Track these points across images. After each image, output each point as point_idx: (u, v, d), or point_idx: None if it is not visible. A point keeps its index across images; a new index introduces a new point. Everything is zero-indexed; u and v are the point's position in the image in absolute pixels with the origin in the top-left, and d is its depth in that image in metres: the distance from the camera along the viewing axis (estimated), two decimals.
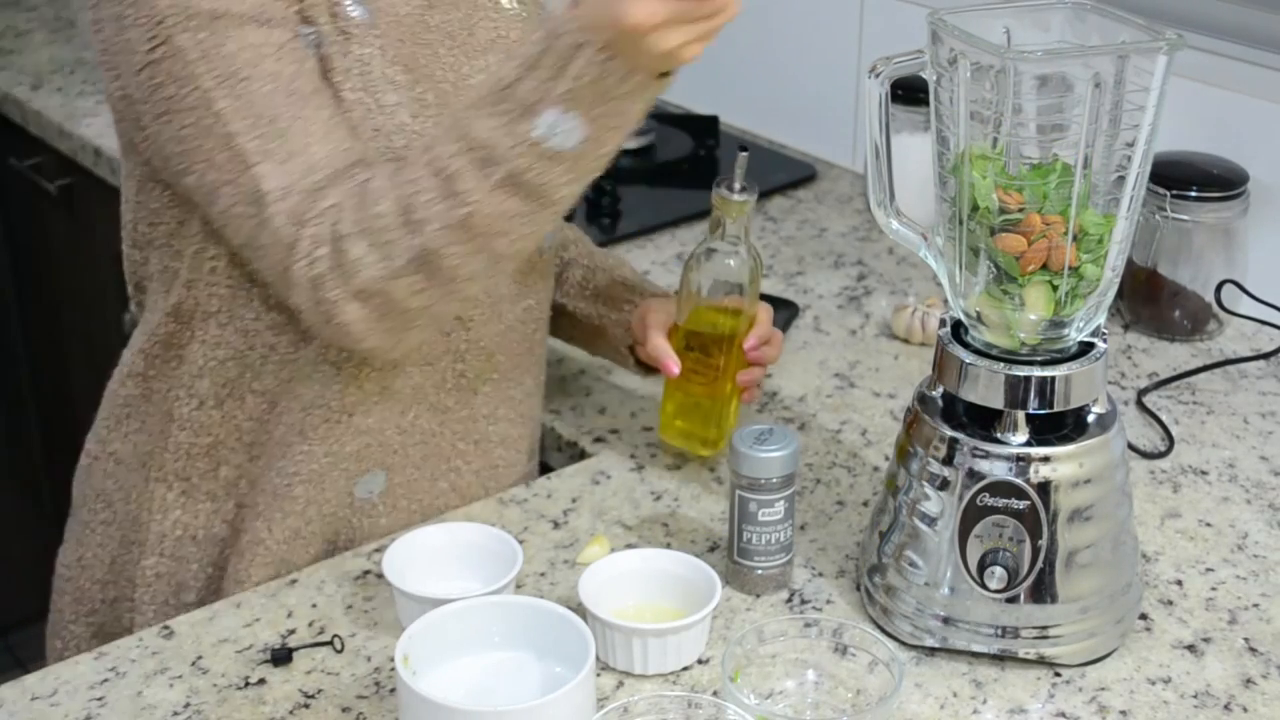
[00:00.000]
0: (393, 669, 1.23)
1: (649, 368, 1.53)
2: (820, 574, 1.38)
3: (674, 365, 1.45)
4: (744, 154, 1.41)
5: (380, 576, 1.36)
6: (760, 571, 1.34)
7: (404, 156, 1.25)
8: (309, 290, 1.22)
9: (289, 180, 1.21)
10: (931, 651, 1.28)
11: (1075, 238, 1.19)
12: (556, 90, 1.14)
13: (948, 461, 1.24)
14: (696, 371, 1.47)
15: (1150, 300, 1.80)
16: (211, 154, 1.22)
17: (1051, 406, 1.22)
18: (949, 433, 1.24)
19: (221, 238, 1.32)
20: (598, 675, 1.22)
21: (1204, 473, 1.53)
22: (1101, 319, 1.26)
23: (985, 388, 1.23)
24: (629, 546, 1.40)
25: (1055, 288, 1.20)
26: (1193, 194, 1.75)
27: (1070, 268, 1.19)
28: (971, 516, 1.23)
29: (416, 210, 1.18)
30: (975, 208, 1.20)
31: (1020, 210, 1.19)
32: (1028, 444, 1.23)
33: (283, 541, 1.40)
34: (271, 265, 1.24)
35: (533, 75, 1.15)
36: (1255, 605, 1.35)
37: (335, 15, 1.28)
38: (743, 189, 1.41)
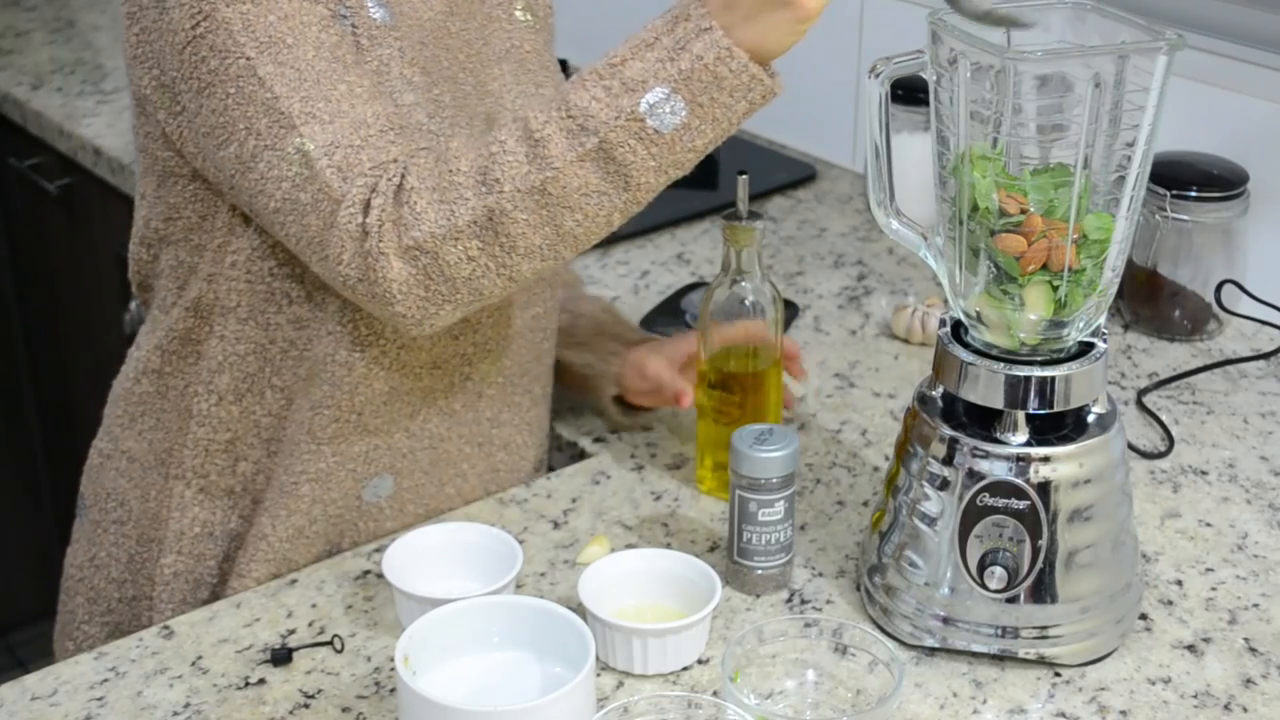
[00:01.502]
0: (393, 669, 1.23)
1: (631, 407, 1.55)
2: (820, 574, 1.38)
3: (686, 398, 1.46)
4: (743, 177, 1.38)
5: (380, 576, 1.36)
6: (760, 571, 1.34)
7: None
8: (356, 241, 1.19)
9: (335, 137, 1.20)
10: (931, 651, 1.28)
11: (1076, 242, 1.19)
12: (671, 69, 1.14)
13: (948, 461, 1.24)
14: (723, 411, 1.45)
15: (1150, 300, 1.80)
16: (254, 120, 1.21)
17: (1051, 406, 1.22)
18: (949, 433, 1.24)
19: (245, 230, 1.33)
20: (598, 675, 1.22)
21: (1204, 473, 1.53)
22: (1101, 319, 1.26)
23: (985, 388, 1.23)
24: (629, 546, 1.40)
25: (1055, 288, 1.20)
26: (1193, 194, 1.75)
27: (1071, 270, 1.20)
28: (971, 516, 1.23)
29: (494, 170, 1.16)
30: (975, 208, 1.20)
31: (1023, 213, 1.19)
32: (1028, 444, 1.23)
33: (285, 539, 1.39)
34: (310, 225, 1.21)
35: (648, 53, 1.15)
36: (1255, 605, 1.35)
37: (357, 16, 1.28)
38: (750, 215, 1.40)
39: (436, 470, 1.44)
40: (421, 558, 1.32)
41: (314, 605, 1.34)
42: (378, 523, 1.44)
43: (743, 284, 1.41)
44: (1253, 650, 1.29)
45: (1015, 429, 1.23)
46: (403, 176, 1.19)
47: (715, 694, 1.23)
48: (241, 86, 1.21)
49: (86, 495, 1.51)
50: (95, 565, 1.49)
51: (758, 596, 1.34)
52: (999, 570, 1.23)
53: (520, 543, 1.33)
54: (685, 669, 1.26)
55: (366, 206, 1.19)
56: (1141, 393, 1.67)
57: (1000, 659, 1.27)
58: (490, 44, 1.39)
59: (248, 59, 1.20)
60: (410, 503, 1.44)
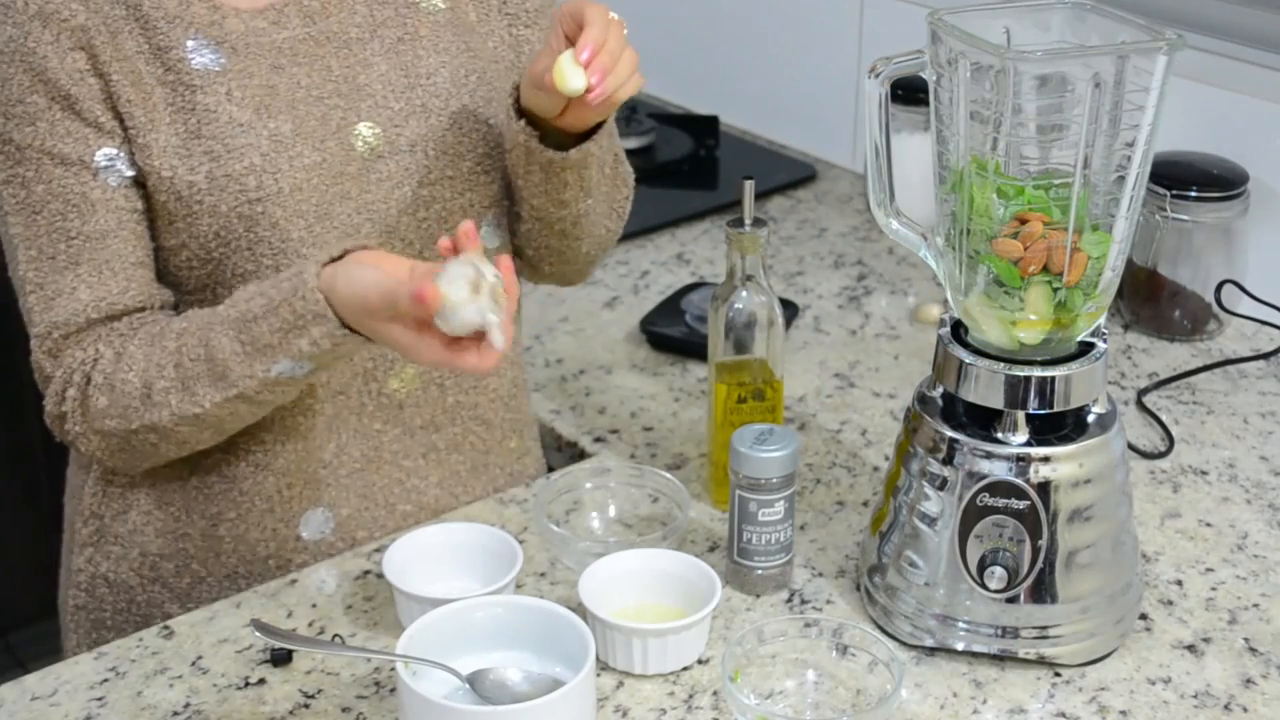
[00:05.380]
0: (393, 669, 1.23)
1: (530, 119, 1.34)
2: (820, 574, 1.38)
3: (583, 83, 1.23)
4: (749, 182, 1.38)
5: (380, 576, 1.36)
6: (760, 571, 1.34)
7: (165, 325, 1.31)
8: (55, 422, 1.34)
9: (52, 318, 1.30)
10: (931, 651, 1.28)
11: (1074, 246, 1.19)
12: (293, 346, 1.23)
13: (948, 461, 1.24)
14: (735, 426, 1.44)
15: (1150, 300, 1.80)
16: (11, 258, 1.33)
17: (1051, 406, 1.22)
18: (949, 433, 1.24)
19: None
20: (598, 675, 1.22)
21: (1204, 473, 1.53)
22: (1101, 319, 1.26)
23: (985, 388, 1.23)
24: (629, 547, 1.40)
25: (1055, 289, 1.20)
26: (1193, 194, 1.75)
27: (1070, 284, 1.20)
28: (971, 516, 1.23)
29: (155, 393, 1.28)
30: (973, 206, 1.20)
31: (1024, 224, 1.19)
32: (1028, 444, 1.23)
33: (220, 580, 1.41)
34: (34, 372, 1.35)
35: (274, 318, 1.23)
36: (1255, 605, 1.35)
37: (177, 73, 1.29)
38: (755, 222, 1.39)
39: (376, 494, 1.43)
40: (421, 558, 1.32)
41: (314, 605, 1.34)
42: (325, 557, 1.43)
43: (745, 290, 1.40)
44: (1253, 650, 1.29)
45: (1015, 429, 1.23)
46: (90, 375, 1.31)
47: (715, 694, 1.23)
48: (5, 230, 1.32)
49: None
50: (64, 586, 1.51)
51: (758, 596, 1.34)
52: (999, 570, 1.23)
53: (520, 543, 1.33)
54: (685, 669, 1.26)
55: (62, 397, 1.32)
56: (1141, 393, 1.67)
57: (1000, 659, 1.27)
58: (379, 36, 1.36)
59: (5, 210, 1.31)
60: (360, 530, 1.43)
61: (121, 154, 1.29)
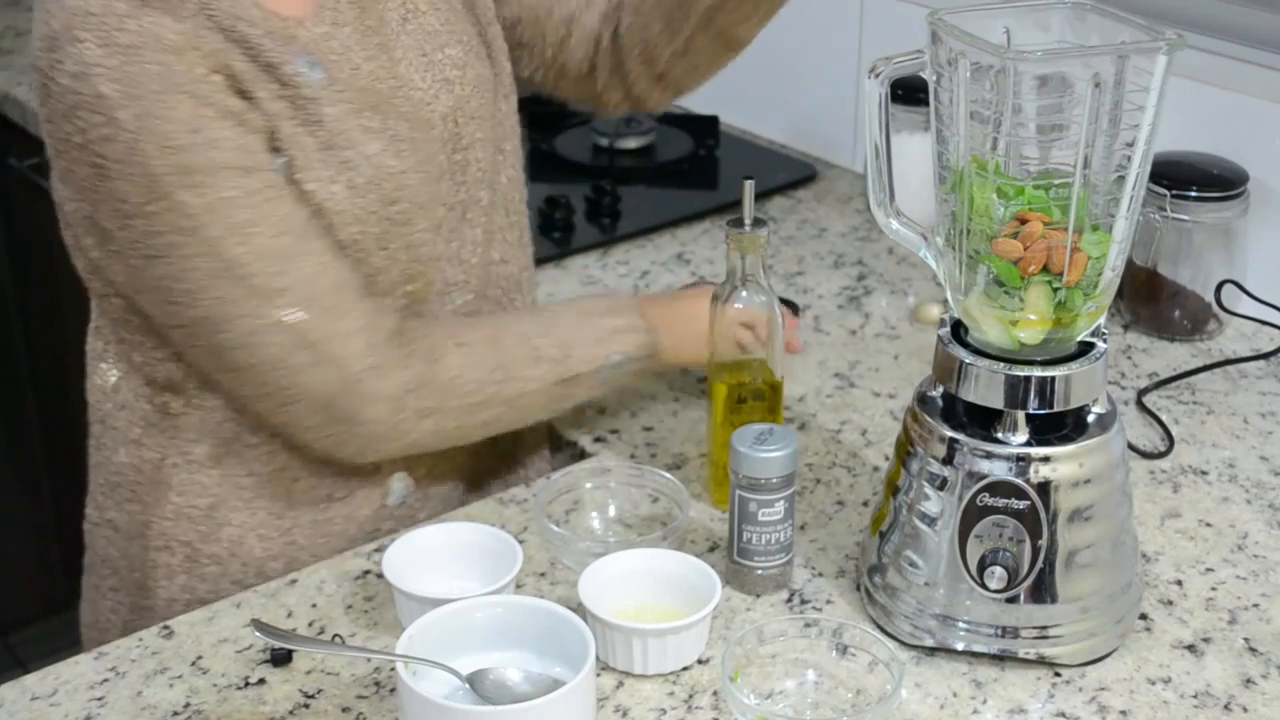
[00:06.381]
0: (393, 669, 1.23)
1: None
2: (820, 574, 1.38)
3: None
4: (749, 182, 1.38)
5: (380, 576, 1.36)
6: (760, 571, 1.34)
7: (478, 329, 1.38)
8: (355, 442, 1.33)
9: (319, 309, 1.26)
10: (931, 651, 1.28)
11: (1074, 247, 1.19)
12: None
13: (948, 461, 1.24)
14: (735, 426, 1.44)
15: (1150, 300, 1.80)
16: (224, 291, 1.25)
17: (1051, 406, 1.22)
18: (949, 433, 1.24)
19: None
20: (598, 675, 1.22)
21: (1204, 473, 1.53)
22: (1101, 319, 1.26)
23: (985, 388, 1.23)
24: (629, 546, 1.40)
25: (1055, 289, 1.20)
26: (1193, 194, 1.75)
27: (1071, 284, 1.20)
28: (971, 516, 1.23)
29: (515, 377, 1.38)
30: (974, 207, 1.20)
31: (1023, 224, 1.19)
32: (1028, 444, 1.23)
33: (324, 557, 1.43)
34: (306, 382, 1.28)
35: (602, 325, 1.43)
36: (1255, 605, 1.35)
37: (294, 89, 1.28)
38: (755, 222, 1.39)
39: (446, 457, 1.46)
40: (421, 558, 1.32)
41: (314, 605, 1.34)
42: (402, 524, 1.47)
43: (746, 290, 1.40)
44: (1253, 650, 1.29)
45: (1015, 429, 1.23)
46: (403, 396, 1.32)
47: (715, 694, 1.23)
48: (208, 264, 1.23)
49: (86, 557, 1.51)
50: (99, 628, 1.50)
51: (758, 596, 1.34)
52: (999, 570, 1.23)
53: (520, 543, 1.33)
54: (685, 669, 1.26)
55: (401, 403, 1.33)
56: (1141, 393, 1.67)
57: (1000, 659, 1.27)
58: (393, 18, 1.38)
59: (212, 241, 1.23)
60: (434, 498, 1.46)
61: (284, 165, 1.28)
